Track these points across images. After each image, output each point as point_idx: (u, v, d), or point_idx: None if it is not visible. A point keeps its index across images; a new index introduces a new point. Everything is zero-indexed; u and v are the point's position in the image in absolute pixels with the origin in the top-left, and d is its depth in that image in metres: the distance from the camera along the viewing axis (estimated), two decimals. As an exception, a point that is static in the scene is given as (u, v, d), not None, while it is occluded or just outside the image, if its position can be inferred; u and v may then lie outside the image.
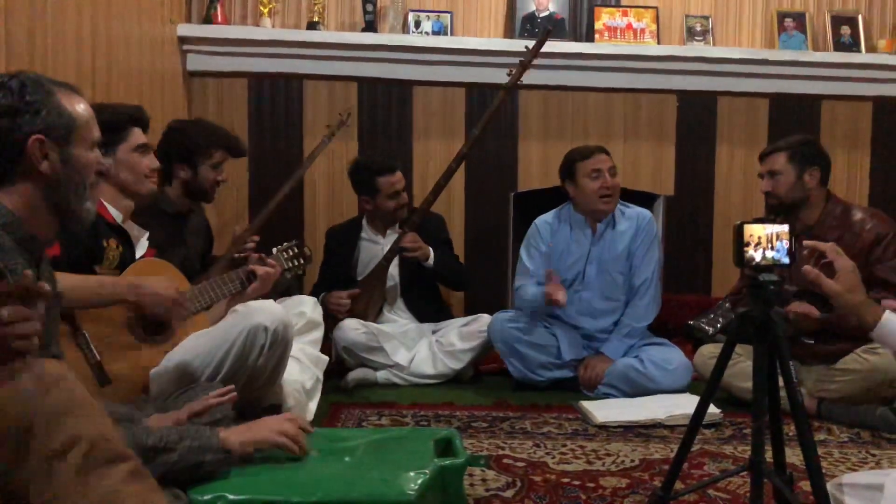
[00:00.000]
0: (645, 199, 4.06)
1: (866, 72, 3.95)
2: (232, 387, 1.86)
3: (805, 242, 1.62)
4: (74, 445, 1.04)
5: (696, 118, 4.04)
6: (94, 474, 1.05)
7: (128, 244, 2.22)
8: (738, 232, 1.64)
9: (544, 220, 3.25)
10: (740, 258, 1.65)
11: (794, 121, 4.00)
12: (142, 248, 2.30)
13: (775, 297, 1.66)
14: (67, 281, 1.89)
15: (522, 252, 3.25)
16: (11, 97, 1.49)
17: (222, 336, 2.08)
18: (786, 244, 1.70)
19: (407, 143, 3.96)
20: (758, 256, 1.67)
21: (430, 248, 3.32)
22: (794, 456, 2.11)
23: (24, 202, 1.50)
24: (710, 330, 3.46)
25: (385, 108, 3.97)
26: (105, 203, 2.18)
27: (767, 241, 1.68)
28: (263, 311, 2.12)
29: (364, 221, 3.49)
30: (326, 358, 2.59)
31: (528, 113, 3.98)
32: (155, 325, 2.13)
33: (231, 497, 1.47)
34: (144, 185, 2.24)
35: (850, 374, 2.64)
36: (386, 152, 3.69)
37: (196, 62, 3.84)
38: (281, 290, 2.75)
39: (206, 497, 1.46)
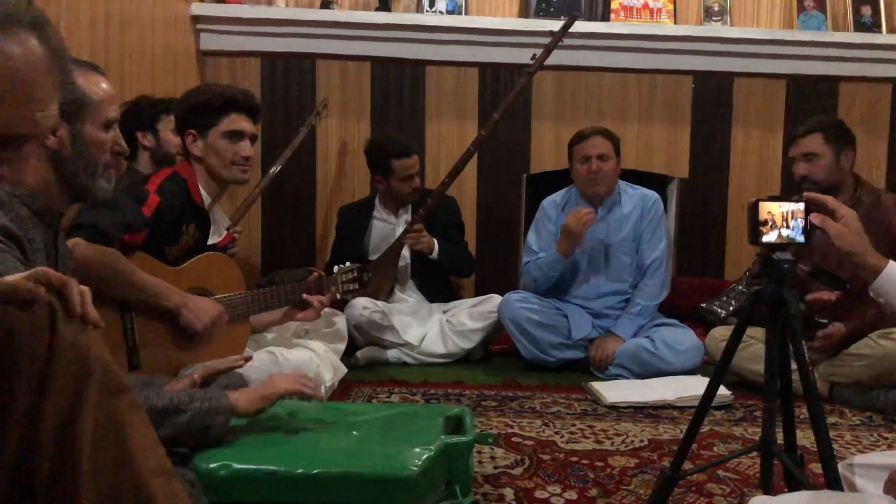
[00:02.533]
0: (659, 182, 4.03)
1: (887, 53, 3.88)
2: (246, 355, 1.87)
3: (805, 195, 1.61)
4: (92, 373, 1.06)
5: (712, 100, 3.99)
6: (105, 401, 1.08)
7: (204, 228, 2.24)
8: (753, 209, 1.62)
9: (552, 200, 3.28)
10: (755, 236, 1.63)
11: (812, 102, 3.95)
12: (220, 233, 2.31)
13: (789, 276, 1.65)
14: (132, 276, 1.95)
15: (531, 233, 3.27)
16: None
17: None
18: (801, 222, 1.68)
19: (419, 124, 3.95)
20: (772, 236, 1.65)
21: (435, 241, 3.32)
22: (804, 438, 2.10)
23: (37, 174, 1.51)
24: (722, 313, 3.44)
25: (398, 88, 3.95)
26: (200, 186, 2.20)
27: (783, 219, 1.66)
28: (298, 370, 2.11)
29: (377, 200, 3.49)
30: (345, 370, 2.60)
31: (542, 94, 3.96)
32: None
33: (235, 466, 1.48)
34: (230, 171, 2.20)
35: (862, 359, 2.61)
36: (403, 134, 3.69)
37: (209, 41, 3.84)
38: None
39: (211, 465, 1.47)
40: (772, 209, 1.64)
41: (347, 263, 2.54)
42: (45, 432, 1.07)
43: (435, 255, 3.32)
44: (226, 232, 2.33)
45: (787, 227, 1.67)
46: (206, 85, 2.34)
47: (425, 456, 1.54)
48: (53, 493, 1.07)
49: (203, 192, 2.22)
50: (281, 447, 1.57)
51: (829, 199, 1.56)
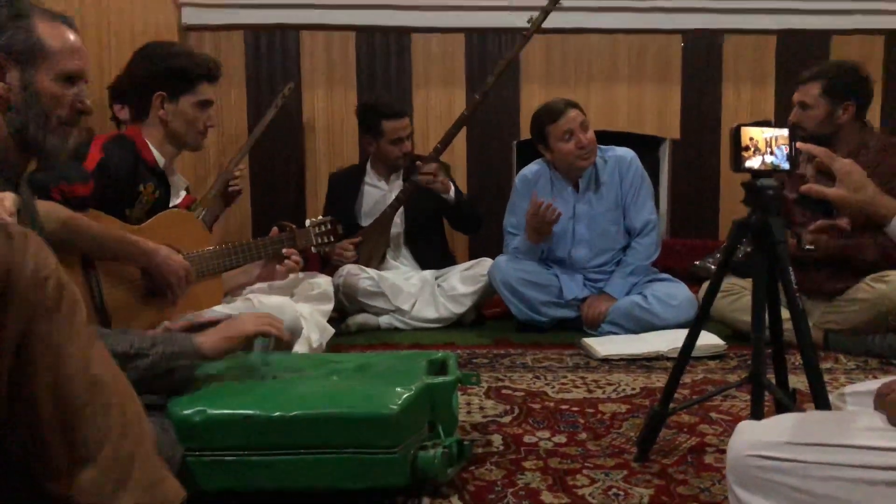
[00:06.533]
0: (650, 143, 3.99)
1: (879, 3, 3.83)
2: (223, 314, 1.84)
3: (798, 145, 1.56)
4: (44, 286, 1.03)
5: (703, 58, 3.94)
6: (41, 319, 1.04)
7: (164, 189, 2.22)
8: (736, 135, 1.58)
9: (524, 175, 3.17)
10: (738, 162, 1.59)
11: (804, 58, 3.89)
12: (179, 196, 2.29)
13: (774, 203, 1.61)
14: (88, 228, 1.88)
15: (507, 212, 3.19)
16: None
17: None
18: (785, 149, 1.64)
19: (406, 92, 3.90)
20: (756, 162, 1.61)
21: (451, 184, 3.27)
22: (799, 383, 2.07)
23: None
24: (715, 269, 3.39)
25: (383, 57, 3.90)
26: (151, 147, 2.19)
27: (766, 145, 1.62)
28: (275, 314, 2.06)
29: (368, 166, 3.45)
30: (332, 331, 2.57)
31: (530, 58, 3.90)
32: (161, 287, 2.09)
33: (210, 411, 1.44)
34: (196, 139, 2.24)
35: (857, 303, 2.58)
36: (405, 98, 3.64)
37: (191, 16, 3.79)
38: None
39: (185, 411, 1.44)
40: (754, 134, 1.60)
41: (319, 217, 2.51)
42: None
43: (452, 195, 3.26)
44: (185, 194, 2.30)
45: (771, 153, 1.63)
46: (174, 47, 2.30)
47: (406, 395, 1.50)
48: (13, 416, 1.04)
49: (156, 153, 2.19)
50: (257, 392, 1.54)
51: (821, 153, 1.48)
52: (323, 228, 2.50)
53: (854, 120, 2.70)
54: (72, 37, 1.52)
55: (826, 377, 2.08)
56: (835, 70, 2.73)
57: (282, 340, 1.63)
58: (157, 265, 1.96)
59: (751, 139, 1.60)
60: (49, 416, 1.01)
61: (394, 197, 3.32)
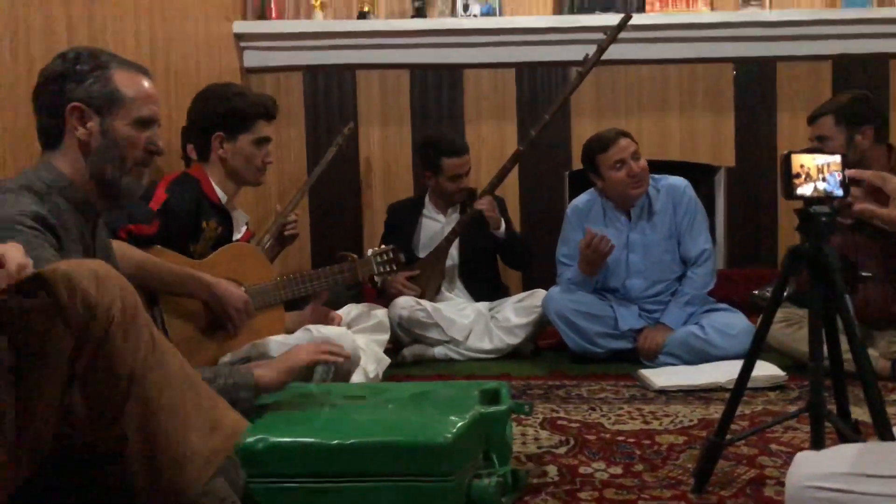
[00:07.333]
0: (705, 172, 3.96)
1: (938, 25, 3.75)
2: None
3: (847, 172, 1.54)
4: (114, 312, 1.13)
5: (755, 86, 3.91)
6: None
7: (227, 224, 2.31)
8: (786, 163, 1.59)
9: (575, 205, 3.18)
10: (789, 189, 1.59)
11: (860, 83, 3.83)
12: (240, 231, 2.38)
13: (827, 230, 1.60)
14: (158, 269, 1.98)
15: (560, 243, 3.20)
16: (63, 65, 1.58)
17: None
18: (838, 176, 1.63)
19: (459, 127, 3.96)
20: (808, 189, 1.61)
21: (502, 219, 3.32)
22: (863, 414, 2.02)
23: (73, 167, 1.58)
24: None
25: (436, 93, 3.99)
26: (214, 184, 2.29)
27: (818, 171, 1.61)
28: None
29: (427, 198, 3.51)
30: (388, 360, 2.60)
31: (581, 89, 3.87)
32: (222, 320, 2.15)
33: (272, 439, 1.49)
34: (255, 176, 2.33)
35: (925, 332, 2.50)
36: (458, 134, 3.71)
37: (253, 58, 3.95)
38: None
39: (248, 439, 1.49)
40: (805, 161, 1.60)
41: (382, 246, 2.56)
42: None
43: (502, 230, 3.31)
44: (245, 228, 2.38)
45: (823, 180, 1.62)
46: (231, 88, 2.40)
47: (460, 423, 1.53)
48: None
49: (218, 191, 2.28)
50: (317, 420, 1.59)
51: (869, 175, 1.46)
52: (385, 258, 2.53)
53: (876, 143, 2.72)
54: (146, 84, 1.63)
55: (894, 409, 2.04)
56: (842, 100, 2.80)
57: (340, 364, 1.67)
58: (216, 298, 2.04)
59: (801, 166, 1.60)
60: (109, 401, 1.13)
61: (450, 230, 3.37)
